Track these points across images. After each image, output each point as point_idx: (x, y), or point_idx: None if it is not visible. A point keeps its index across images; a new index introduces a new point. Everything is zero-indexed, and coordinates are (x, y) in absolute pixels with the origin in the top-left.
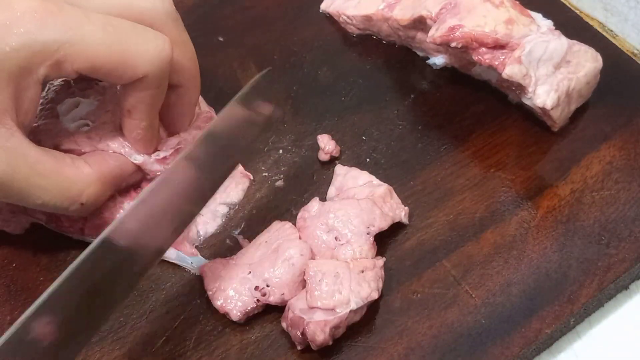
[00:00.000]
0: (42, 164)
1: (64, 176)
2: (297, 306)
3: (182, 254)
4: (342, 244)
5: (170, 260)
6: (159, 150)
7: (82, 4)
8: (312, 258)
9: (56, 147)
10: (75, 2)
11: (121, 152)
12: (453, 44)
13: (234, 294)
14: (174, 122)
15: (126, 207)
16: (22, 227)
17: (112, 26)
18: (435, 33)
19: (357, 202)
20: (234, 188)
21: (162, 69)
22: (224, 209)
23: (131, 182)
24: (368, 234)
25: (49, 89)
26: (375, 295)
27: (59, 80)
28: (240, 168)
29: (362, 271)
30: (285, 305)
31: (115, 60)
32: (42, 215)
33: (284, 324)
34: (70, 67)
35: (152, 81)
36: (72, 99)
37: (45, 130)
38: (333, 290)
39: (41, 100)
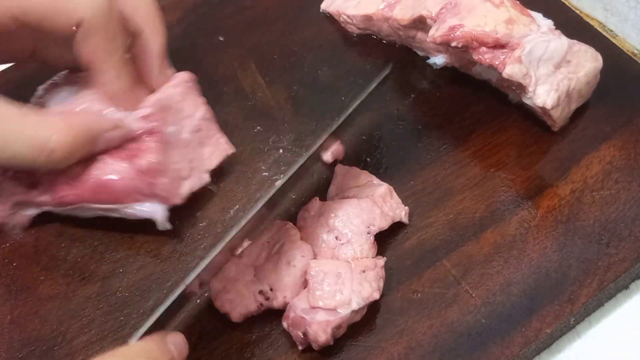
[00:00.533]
0: (4, 113)
1: (28, 122)
2: (298, 306)
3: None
4: (342, 244)
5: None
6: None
7: None
8: (313, 258)
9: None
10: None
11: (92, 110)
12: (453, 44)
13: (237, 296)
14: (145, 75)
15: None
16: (23, 222)
17: None
18: (436, 33)
19: (357, 202)
20: (214, 153)
21: (102, 12)
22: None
23: (112, 141)
24: (368, 233)
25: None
26: (376, 296)
27: (50, 80)
28: (225, 139)
29: (364, 271)
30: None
31: (46, 2)
32: (45, 197)
33: (285, 324)
34: (4, 13)
35: (94, 26)
36: (58, 88)
37: None
38: (335, 290)
39: (32, 99)
